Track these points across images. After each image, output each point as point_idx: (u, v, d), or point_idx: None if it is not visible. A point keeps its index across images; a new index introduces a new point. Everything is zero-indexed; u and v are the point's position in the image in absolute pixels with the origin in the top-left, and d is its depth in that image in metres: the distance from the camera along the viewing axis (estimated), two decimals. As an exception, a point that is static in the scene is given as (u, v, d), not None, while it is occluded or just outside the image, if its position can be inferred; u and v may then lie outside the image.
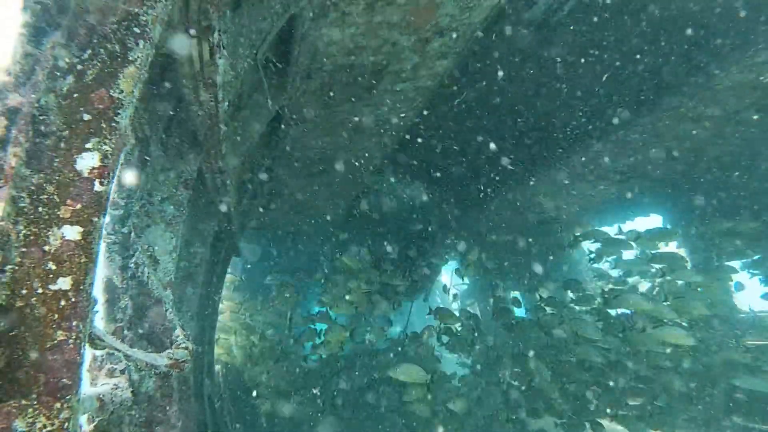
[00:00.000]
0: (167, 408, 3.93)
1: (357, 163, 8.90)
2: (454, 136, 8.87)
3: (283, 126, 6.64)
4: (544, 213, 10.37)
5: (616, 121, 7.09)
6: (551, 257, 11.54)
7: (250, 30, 3.81)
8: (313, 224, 10.85)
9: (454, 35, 5.56)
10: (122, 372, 3.34)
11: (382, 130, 7.95)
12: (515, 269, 11.75)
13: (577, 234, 9.63)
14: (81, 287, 1.92)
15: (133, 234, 3.48)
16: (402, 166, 9.70)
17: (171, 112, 3.55)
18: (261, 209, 9.17)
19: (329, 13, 4.75)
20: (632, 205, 10.32)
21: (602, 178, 9.29)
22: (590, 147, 8.17)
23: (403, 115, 7.45)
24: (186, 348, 3.07)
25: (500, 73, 7.16)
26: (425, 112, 7.57)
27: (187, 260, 4.81)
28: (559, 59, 6.93)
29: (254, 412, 9.30)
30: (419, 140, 8.74)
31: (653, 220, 10.46)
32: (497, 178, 9.41)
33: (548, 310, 9.31)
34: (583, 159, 8.58)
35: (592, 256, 9.26)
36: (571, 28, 6.56)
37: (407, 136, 8.18)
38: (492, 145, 8.42)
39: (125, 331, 3.55)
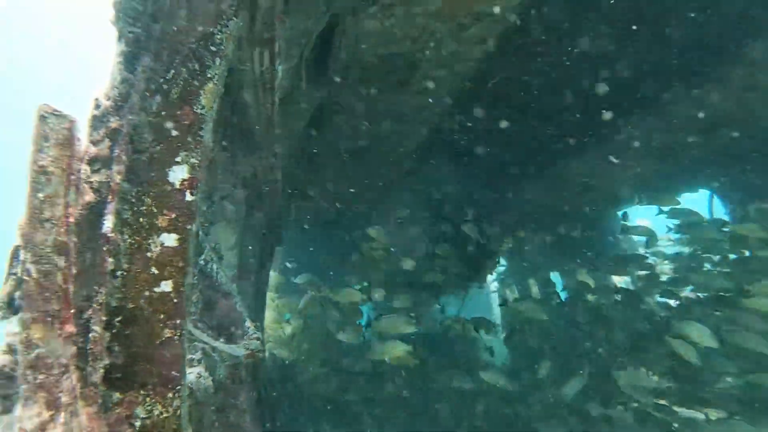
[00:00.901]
0: (239, 394, 4.20)
1: (396, 149, 9.01)
2: (496, 116, 8.86)
3: (323, 118, 6.80)
4: (589, 191, 10.28)
5: (664, 95, 6.99)
6: (596, 237, 11.45)
7: (298, 31, 3.94)
8: (352, 212, 11.04)
9: (492, 20, 5.58)
10: (199, 361, 3.59)
11: (420, 116, 8.03)
12: (557, 249, 11.71)
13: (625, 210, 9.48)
14: (180, 289, 2.12)
15: (201, 232, 3.70)
16: (443, 149, 9.72)
17: (228, 114, 3.73)
18: (301, 200, 9.40)
19: (370, 7, 4.84)
20: (681, 181, 10.13)
21: (649, 155, 9.16)
22: (636, 123, 8.09)
23: (441, 100, 7.51)
24: (258, 338, 3.28)
25: (539, 51, 7.12)
26: (464, 94, 7.59)
27: (242, 254, 5.04)
28: (599, 35, 6.85)
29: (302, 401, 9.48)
30: (460, 122, 8.78)
31: (701, 196, 10.24)
32: (540, 158, 9.37)
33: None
34: (629, 135, 8.49)
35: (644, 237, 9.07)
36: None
37: (447, 118, 8.25)
38: (535, 124, 8.43)
39: (198, 324, 3.80)
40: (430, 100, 7.63)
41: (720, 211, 9.96)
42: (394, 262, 10.46)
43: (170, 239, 2.13)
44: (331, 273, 12.19)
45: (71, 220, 1.74)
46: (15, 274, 1.70)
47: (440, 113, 7.94)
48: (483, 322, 8.79)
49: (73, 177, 1.75)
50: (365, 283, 11.86)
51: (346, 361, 9.65)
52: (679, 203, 8.83)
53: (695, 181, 10.29)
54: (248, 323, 3.61)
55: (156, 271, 2.10)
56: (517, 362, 9.91)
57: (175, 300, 2.12)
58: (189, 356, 3.58)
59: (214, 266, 3.70)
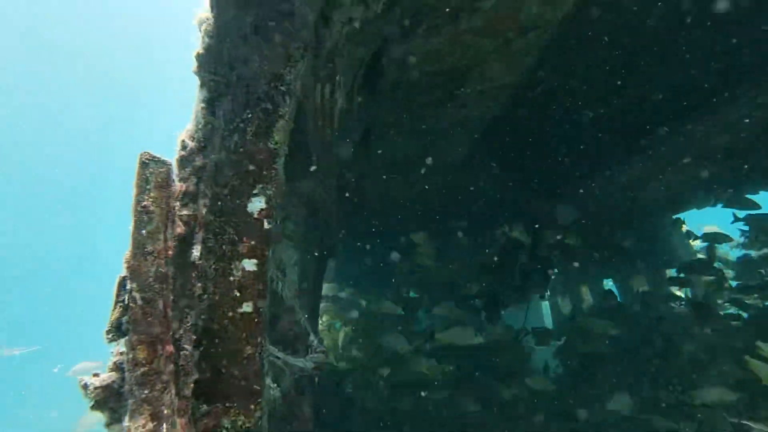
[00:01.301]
0: (302, 404, 4.41)
1: (441, 162, 9.13)
2: (540, 125, 8.85)
3: (372, 137, 7.00)
4: (639, 197, 10.05)
5: (715, 98, 6.82)
6: (646, 244, 11.13)
7: (352, 59, 4.14)
8: (398, 227, 11.19)
9: (538, 32, 5.64)
10: (266, 373, 3.80)
11: (465, 129, 8.12)
12: (606, 257, 11.44)
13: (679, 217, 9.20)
14: (260, 309, 2.33)
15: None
16: (491, 159, 9.76)
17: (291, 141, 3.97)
18: (349, 215, 9.63)
19: (417, 29, 5.00)
20: (739, 183, 9.78)
21: (703, 157, 8.91)
22: (688, 126, 7.91)
23: (486, 111, 7.58)
24: (323, 352, 3.47)
25: (587, 55, 7.08)
26: (510, 103, 7.64)
27: (302, 271, 5.28)
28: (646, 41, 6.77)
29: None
30: (504, 133, 8.80)
31: (762, 198, 9.81)
32: (591, 163, 9.26)
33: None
34: (682, 139, 8.30)
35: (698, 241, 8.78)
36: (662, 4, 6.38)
37: (492, 131, 8.29)
38: (580, 133, 8.35)
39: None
40: (477, 113, 7.72)
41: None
42: (445, 273, 10.50)
43: (250, 264, 2.34)
44: (379, 285, 12.37)
45: (170, 252, 1.96)
46: (122, 301, 1.93)
47: (487, 123, 8.01)
48: (544, 333, 8.71)
49: (170, 214, 1.98)
50: (415, 294, 11.93)
51: (395, 371, 9.70)
52: (759, 206, 8.37)
53: (759, 184, 9.89)
54: (312, 337, 3.81)
55: (238, 294, 2.31)
56: (568, 374, 9.73)
57: (255, 320, 2.32)
58: (258, 369, 3.81)
59: (279, 284, 3.93)
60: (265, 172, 2.40)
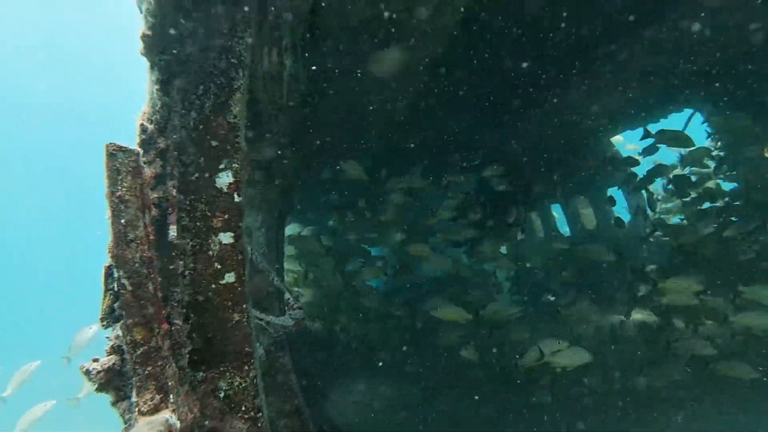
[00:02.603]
0: (281, 357, 4.63)
1: (391, 101, 9.14)
2: (485, 59, 8.93)
3: (318, 86, 6.93)
4: (581, 122, 10.43)
5: (644, 22, 7.13)
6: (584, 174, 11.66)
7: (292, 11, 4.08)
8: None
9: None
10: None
11: (410, 69, 8.13)
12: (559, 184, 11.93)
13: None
14: (242, 278, 2.45)
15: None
16: (437, 99, 9.81)
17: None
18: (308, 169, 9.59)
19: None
20: (667, 103, 10.32)
21: (634, 80, 9.32)
22: (620, 51, 8.23)
23: (429, 51, 7.60)
24: (300, 308, 3.65)
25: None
26: (451, 42, 7.68)
27: (267, 231, 5.36)
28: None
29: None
30: (448, 73, 8.86)
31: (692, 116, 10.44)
32: (532, 93, 9.48)
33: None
34: (614, 64, 8.64)
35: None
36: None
37: (438, 69, 8.36)
38: (523, 63, 8.54)
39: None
40: (419, 54, 7.73)
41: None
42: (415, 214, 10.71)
43: (226, 237, 2.44)
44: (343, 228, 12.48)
45: (151, 237, 2.03)
46: (111, 289, 2.01)
47: (431, 64, 8.05)
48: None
49: (146, 200, 2.03)
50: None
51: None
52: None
53: (681, 103, 10.48)
54: (287, 295, 3.97)
55: (219, 266, 2.42)
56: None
57: (238, 288, 2.45)
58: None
59: (248, 247, 4.02)
60: (228, 147, 2.45)
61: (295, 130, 6.99)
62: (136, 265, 1.93)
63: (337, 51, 6.97)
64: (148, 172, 2.22)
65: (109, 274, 2.03)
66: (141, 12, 2.39)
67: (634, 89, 9.50)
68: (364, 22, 6.22)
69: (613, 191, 11.85)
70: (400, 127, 10.24)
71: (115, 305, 2.03)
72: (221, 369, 2.41)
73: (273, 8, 2.65)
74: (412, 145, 11.14)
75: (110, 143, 1.92)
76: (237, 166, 2.45)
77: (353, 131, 9.71)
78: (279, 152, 4.95)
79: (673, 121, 11.37)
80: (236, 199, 2.44)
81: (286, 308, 3.89)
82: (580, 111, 10.80)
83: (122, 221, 1.94)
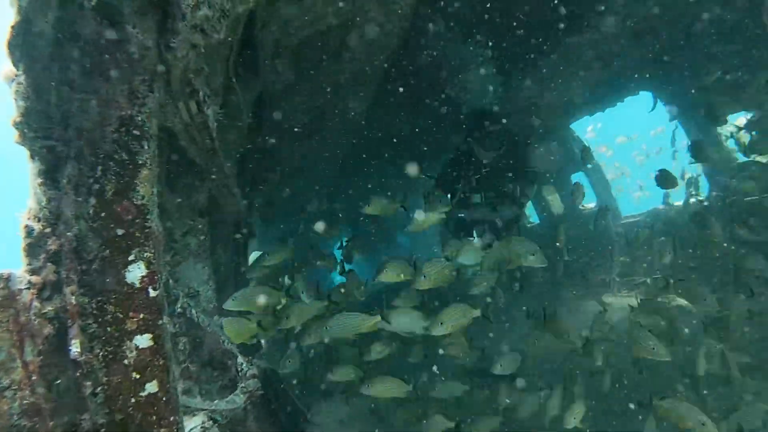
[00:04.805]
0: (245, 421, 4.28)
1: (347, 114, 8.83)
2: (439, 47, 8.71)
3: (265, 108, 6.58)
4: (541, 105, 10.33)
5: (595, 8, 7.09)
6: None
7: (220, 45, 3.71)
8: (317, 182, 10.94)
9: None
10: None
11: (361, 79, 7.84)
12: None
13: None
14: (167, 385, 2.11)
15: (170, 281, 3.63)
16: (393, 101, 9.50)
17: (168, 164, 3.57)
18: (261, 187, 9.22)
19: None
20: (620, 87, 10.32)
21: (584, 68, 9.25)
22: (568, 40, 8.17)
23: (379, 58, 7.32)
24: (254, 376, 3.31)
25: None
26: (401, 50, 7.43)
27: (218, 280, 4.97)
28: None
29: None
30: (399, 70, 8.60)
31: (644, 98, 10.43)
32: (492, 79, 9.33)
33: None
34: (563, 52, 8.57)
35: None
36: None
37: (391, 75, 8.11)
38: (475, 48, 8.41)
39: (190, 366, 3.80)
40: (370, 64, 7.43)
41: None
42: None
43: (144, 340, 2.09)
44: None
45: (34, 377, 1.67)
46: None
47: (383, 70, 7.77)
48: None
49: (26, 329, 1.68)
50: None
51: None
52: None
53: (635, 86, 10.49)
54: (240, 359, 3.63)
55: (137, 376, 2.07)
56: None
57: (164, 398, 2.10)
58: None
59: (193, 310, 3.67)
60: (138, 234, 2.10)
61: (241, 162, 6.62)
62: (16, 417, 1.58)
63: (286, 70, 6.63)
64: (29, 294, 1.85)
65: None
66: (12, 94, 2.01)
67: (587, 76, 9.45)
68: (306, 39, 5.88)
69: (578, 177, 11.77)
70: (359, 132, 9.95)
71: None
72: (152, 496, 2.07)
73: (178, 63, 2.29)
74: (373, 149, 10.88)
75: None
76: (150, 254, 2.10)
77: (310, 147, 9.40)
78: (222, 187, 4.58)
79: (629, 105, 11.44)
80: (152, 293, 2.09)
81: (239, 376, 3.55)
82: (538, 99, 10.72)
83: (-5, 363, 1.59)
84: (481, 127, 8.97)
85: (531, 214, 13.04)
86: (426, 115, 10.63)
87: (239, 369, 3.51)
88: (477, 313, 4.26)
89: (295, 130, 8.63)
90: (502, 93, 9.77)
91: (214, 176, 4.16)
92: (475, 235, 9.30)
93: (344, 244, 10.01)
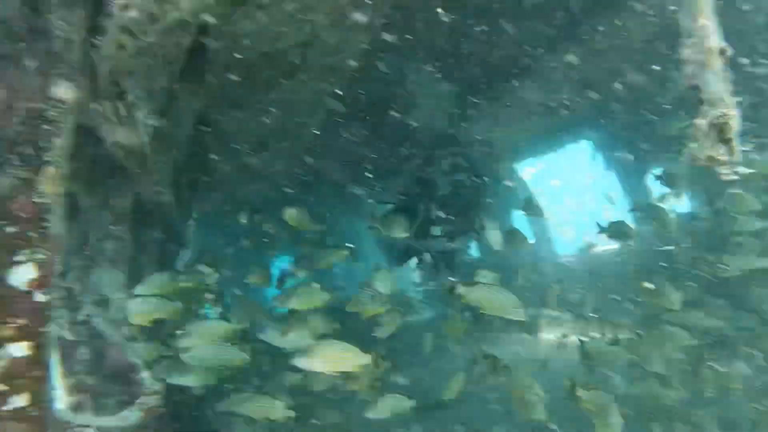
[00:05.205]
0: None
1: (298, 134, 8.74)
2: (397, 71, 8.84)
3: (211, 120, 6.45)
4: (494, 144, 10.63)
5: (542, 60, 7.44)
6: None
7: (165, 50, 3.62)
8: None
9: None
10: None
11: (314, 100, 7.83)
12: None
13: None
14: (41, 400, 1.95)
15: (78, 285, 3.43)
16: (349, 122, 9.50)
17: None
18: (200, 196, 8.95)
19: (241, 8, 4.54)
20: (563, 134, 10.86)
21: (532, 113, 9.66)
22: (518, 85, 8.48)
23: (333, 80, 7.35)
24: (156, 392, 3.14)
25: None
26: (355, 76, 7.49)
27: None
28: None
29: None
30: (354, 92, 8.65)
31: (583, 146, 11.08)
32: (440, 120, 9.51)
33: None
34: (513, 97, 8.87)
35: None
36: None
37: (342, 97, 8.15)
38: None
39: (86, 379, 3.56)
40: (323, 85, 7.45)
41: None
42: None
43: (20, 349, 1.93)
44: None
45: None
46: None
47: (339, 88, 7.79)
48: None
49: None
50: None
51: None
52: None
53: (577, 135, 11.12)
54: (143, 373, 3.44)
55: (5, 388, 1.90)
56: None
57: (34, 413, 1.94)
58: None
59: (98, 319, 3.47)
60: (31, 233, 1.96)
61: (180, 170, 6.43)
62: None
63: (238, 84, 6.54)
64: None
65: None
66: None
67: (532, 122, 9.90)
68: (261, 56, 5.85)
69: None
70: (310, 152, 9.87)
71: None
72: None
73: (105, 62, 2.21)
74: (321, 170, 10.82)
75: None
76: (43, 257, 1.97)
77: (256, 164, 9.24)
78: (153, 194, 4.42)
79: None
80: (38, 298, 1.95)
81: (140, 389, 3.36)
82: (487, 140, 11.09)
83: None
84: (439, 153, 9.03)
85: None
86: (380, 139, 10.71)
87: (141, 383, 3.32)
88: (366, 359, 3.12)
89: (241, 146, 8.49)
90: (458, 121, 9.94)
91: (144, 182, 4.01)
92: (414, 263, 9.23)
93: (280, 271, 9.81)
